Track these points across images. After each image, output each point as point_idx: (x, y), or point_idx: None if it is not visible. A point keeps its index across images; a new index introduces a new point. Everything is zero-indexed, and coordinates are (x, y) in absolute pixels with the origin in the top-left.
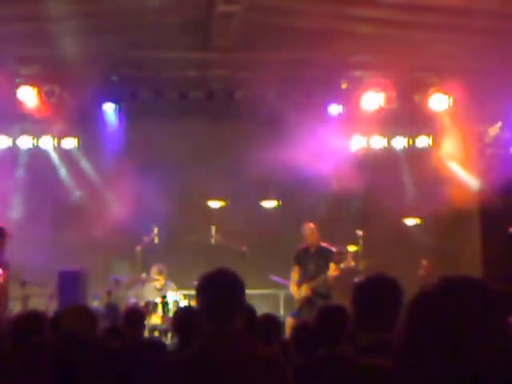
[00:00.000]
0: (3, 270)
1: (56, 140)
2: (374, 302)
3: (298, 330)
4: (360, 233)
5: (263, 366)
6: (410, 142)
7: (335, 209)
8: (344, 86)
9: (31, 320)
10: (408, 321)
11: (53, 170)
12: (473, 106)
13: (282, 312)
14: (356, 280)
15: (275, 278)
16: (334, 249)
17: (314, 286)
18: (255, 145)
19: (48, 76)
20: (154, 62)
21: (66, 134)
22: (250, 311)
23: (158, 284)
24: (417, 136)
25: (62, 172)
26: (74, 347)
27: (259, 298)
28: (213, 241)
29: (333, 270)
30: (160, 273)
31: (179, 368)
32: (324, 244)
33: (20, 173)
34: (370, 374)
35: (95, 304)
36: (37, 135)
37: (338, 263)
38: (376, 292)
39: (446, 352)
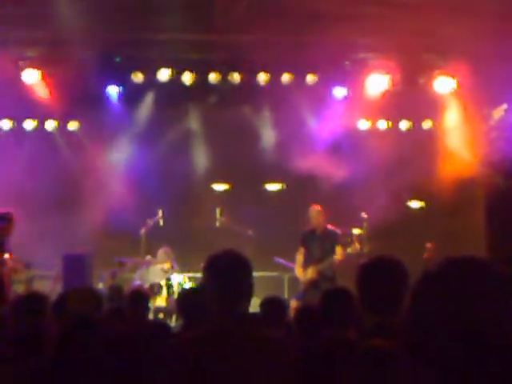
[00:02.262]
0: (10, 254)
1: (60, 123)
2: (379, 283)
3: (303, 312)
4: (364, 215)
5: (272, 348)
6: (415, 124)
7: (340, 191)
8: (347, 63)
9: (32, 301)
10: (413, 302)
11: (57, 152)
12: (478, 88)
13: (286, 295)
14: (361, 263)
15: (279, 260)
16: (339, 231)
17: (320, 269)
18: (259, 127)
19: (52, 58)
20: (158, 44)
21: (70, 117)
22: None
23: (165, 266)
24: (421, 119)
25: (66, 154)
26: (77, 329)
27: (264, 280)
28: (217, 224)
29: (339, 254)
30: (167, 255)
31: (190, 350)
32: (330, 226)
33: (24, 155)
34: (375, 355)
35: (100, 286)
36: (41, 118)
37: (344, 246)
38: (381, 274)
39: (452, 333)
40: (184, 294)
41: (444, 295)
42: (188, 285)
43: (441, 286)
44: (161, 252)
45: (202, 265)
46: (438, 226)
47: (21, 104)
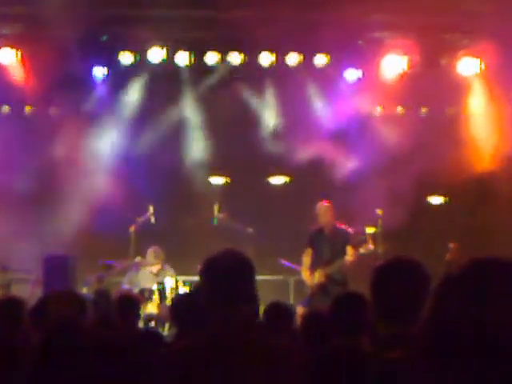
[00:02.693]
0: None
1: (39, 108)
2: (397, 288)
3: (310, 319)
4: (379, 212)
5: (275, 359)
6: (435, 110)
7: (352, 186)
8: (361, 43)
9: (8, 307)
10: (435, 305)
11: (35, 141)
12: (505, 70)
13: (291, 300)
14: (376, 265)
15: (284, 263)
16: (350, 230)
17: (329, 272)
18: (261, 114)
19: (30, 36)
20: (149, 21)
21: (50, 102)
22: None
23: (154, 269)
24: (443, 104)
25: (46, 144)
26: (59, 337)
27: (267, 284)
28: (215, 221)
29: (350, 255)
30: (156, 256)
31: (182, 359)
32: (340, 225)
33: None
34: (391, 369)
35: (84, 291)
36: (17, 102)
37: (355, 247)
38: (398, 277)
39: (476, 338)
40: (178, 299)
41: (468, 299)
42: (182, 290)
43: (465, 289)
44: (150, 252)
45: (198, 267)
46: (462, 224)
47: None
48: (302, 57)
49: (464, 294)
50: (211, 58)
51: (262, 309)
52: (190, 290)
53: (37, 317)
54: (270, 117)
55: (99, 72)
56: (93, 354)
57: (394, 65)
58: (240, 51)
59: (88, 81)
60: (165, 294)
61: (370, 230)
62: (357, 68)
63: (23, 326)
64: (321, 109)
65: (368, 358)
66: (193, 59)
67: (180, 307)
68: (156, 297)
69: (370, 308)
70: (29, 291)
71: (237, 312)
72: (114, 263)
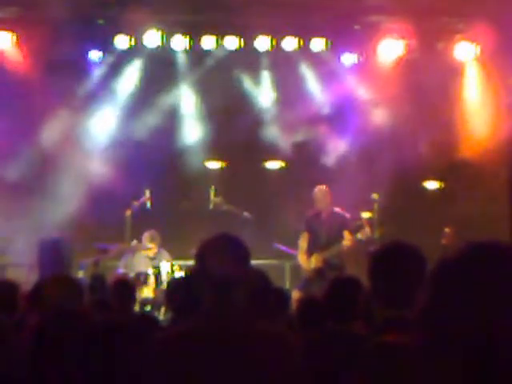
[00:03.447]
0: None
1: (34, 92)
2: (394, 272)
3: (306, 304)
4: (375, 197)
5: (271, 343)
6: (432, 94)
7: (348, 170)
8: (357, 27)
9: (2, 291)
10: (430, 292)
11: (28, 124)
12: (503, 55)
13: (287, 284)
14: (372, 249)
15: (280, 247)
16: (347, 215)
17: (326, 256)
18: (258, 98)
19: (25, 20)
20: (145, 3)
21: (46, 86)
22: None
23: (150, 253)
24: (439, 88)
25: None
26: (56, 322)
27: (262, 269)
28: (211, 205)
29: (348, 240)
30: (152, 240)
31: (174, 344)
32: (337, 209)
33: None
34: (388, 352)
35: (80, 275)
36: (13, 85)
37: (352, 232)
38: (395, 262)
39: (475, 325)
40: (174, 283)
41: (466, 285)
42: (178, 274)
43: (461, 273)
44: (145, 236)
45: (193, 251)
46: (458, 209)
47: None
48: (298, 41)
49: (462, 280)
50: (207, 41)
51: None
52: (185, 274)
53: (33, 301)
54: (266, 101)
55: (95, 55)
56: (88, 338)
57: (390, 49)
58: (236, 35)
59: (84, 64)
60: (160, 278)
61: (366, 215)
62: (353, 52)
63: (18, 310)
64: (317, 93)
65: (363, 342)
66: (189, 43)
67: (175, 291)
68: (152, 281)
69: (366, 292)
70: (25, 275)
71: (231, 297)
72: (110, 247)
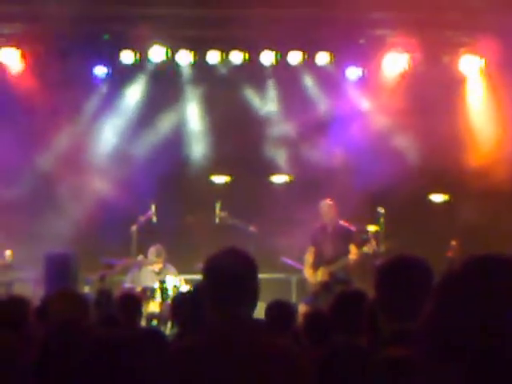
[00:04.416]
0: None
1: (40, 107)
2: (401, 285)
3: (313, 318)
4: (381, 210)
5: (278, 358)
6: (437, 108)
7: (353, 183)
8: (362, 41)
9: (13, 307)
10: (434, 304)
11: (35, 140)
12: (507, 68)
13: (294, 298)
14: (378, 262)
15: (286, 261)
16: (353, 228)
17: (332, 270)
18: (263, 112)
19: (32, 36)
20: (150, 19)
21: (52, 101)
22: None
23: (156, 267)
24: (444, 102)
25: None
26: (62, 338)
27: (269, 283)
28: (217, 220)
29: (354, 254)
30: (158, 254)
31: (183, 358)
32: (342, 223)
33: None
34: (394, 366)
35: (86, 290)
36: (18, 101)
37: (358, 245)
38: (403, 274)
39: (478, 338)
40: (180, 298)
41: (468, 296)
42: (184, 288)
43: (465, 286)
44: (151, 251)
45: (200, 265)
46: (464, 222)
47: None
48: (303, 55)
49: (467, 293)
50: (213, 56)
51: (263, 308)
52: (191, 289)
53: (41, 316)
54: (271, 115)
55: (100, 71)
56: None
57: (395, 63)
58: (241, 50)
59: (89, 80)
60: (167, 292)
61: (372, 229)
62: (358, 66)
63: (29, 326)
64: (322, 107)
65: (370, 356)
66: (194, 58)
67: (181, 306)
68: (158, 295)
69: (373, 306)
70: (31, 291)
71: (239, 311)
72: (116, 262)
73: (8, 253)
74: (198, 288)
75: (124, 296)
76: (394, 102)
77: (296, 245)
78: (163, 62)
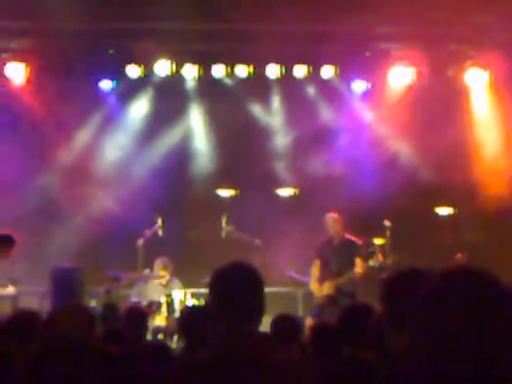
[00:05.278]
0: None
1: (46, 121)
2: (407, 298)
3: (319, 331)
4: (387, 223)
5: (285, 372)
6: (443, 121)
7: (360, 197)
8: (368, 54)
9: (24, 321)
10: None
11: (41, 153)
12: None
13: (300, 312)
14: (384, 275)
15: (293, 275)
16: (359, 241)
17: (338, 283)
18: (269, 125)
19: (38, 50)
20: (156, 34)
21: (58, 115)
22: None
23: (163, 280)
24: (450, 115)
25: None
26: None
27: (275, 296)
28: (223, 233)
29: (360, 267)
30: (165, 267)
31: (187, 375)
32: (348, 236)
33: (3, 155)
34: (399, 382)
35: (93, 304)
36: (25, 114)
37: (364, 258)
38: (410, 288)
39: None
40: (187, 312)
41: (441, 317)
42: (191, 302)
43: (436, 308)
44: (157, 263)
45: (206, 280)
46: (470, 235)
47: (4, 99)
48: (308, 69)
49: (436, 313)
50: (218, 70)
51: (270, 321)
52: (198, 303)
53: (47, 331)
54: (277, 129)
55: (106, 85)
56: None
57: (400, 76)
58: (247, 64)
59: (95, 94)
60: (173, 306)
61: (378, 242)
62: (364, 79)
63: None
64: (328, 120)
65: (376, 371)
66: (200, 72)
67: (188, 320)
68: (164, 309)
69: (380, 319)
70: (37, 304)
71: (245, 326)
72: (122, 275)
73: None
74: (205, 302)
75: (130, 310)
76: (399, 115)
77: (302, 258)
78: (168, 76)
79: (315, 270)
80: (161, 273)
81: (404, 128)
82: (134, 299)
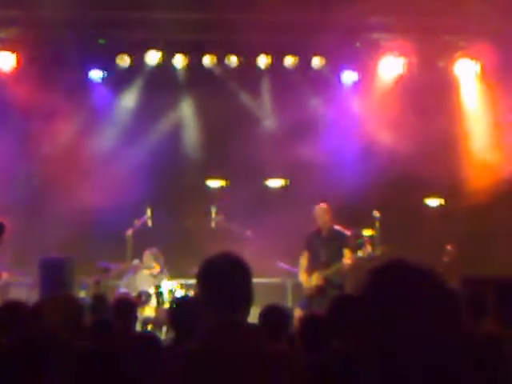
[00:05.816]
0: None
1: (36, 110)
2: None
3: (308, 322)
4: (377, 214)
5: (275, 363)
6: (433, 113)
7: (349, 187)
8: (358, 45)
9: (10, 311)
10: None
11: (29, 143)
12: (504, 72)
13: (289, 303)
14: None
15: (282, 265)
16: (348, 232)
17: (326, 274)
18: (259, 116)
19: (28, 40)
20: (146, 24)
21: (48, 105)
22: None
23: (153, 271)
24: (440, 106)
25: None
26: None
27: (264, 287)
28: (213, 224)
29: (348, 258)
30: (155, 258)
31: (178, 366)
32: (337, 227)
33: None
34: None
35: (82, 294)
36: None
37: (353, 249)
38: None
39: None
40: (176, 302)
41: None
42: (180, 293)
43: (367, 309)
44: (147, 254)
45: (195, 270)
46: (460, 226)
47: None
48: (298, 59)
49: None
50: (208, 60)
51: (258, 312)
52: (187, 293)
53: (33, 321)
54: (266, 120)
55: (96, 75)
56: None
57: (391, 67)
58: (237, 54)
59: (85, 84)
60: (162, 297)
61: (367, 233)
62: (354, 70)
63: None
64: (317, 111)
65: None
66: (190, 62)
67: (178, 311)
68: (153, 300)
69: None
70: (26, 295)
71: (234, 316)
72: (112, 266)
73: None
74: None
75: (119, 301)
76: (389, 106)
77: (292, 249)
78: (159, 66)
79: (303, 260)
80: (151, 264)
81: (394, 119)
82: (123, 290)
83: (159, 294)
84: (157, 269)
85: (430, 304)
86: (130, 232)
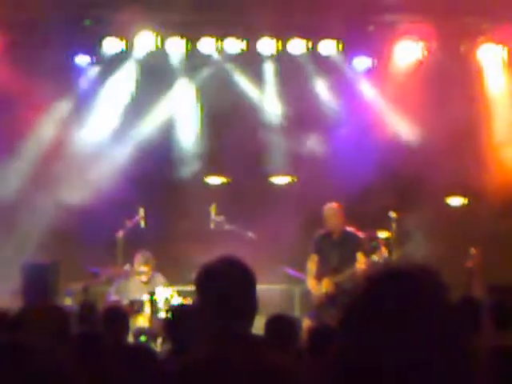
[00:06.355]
0: None
1: (19, 99)
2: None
3: (317, 333)
4: (393, 214)
5: (280, 378)
6: (455, 103)
7: (363, 186)
8: (371, 28)
9: None
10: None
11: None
12: None
13: (297, 311)
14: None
15: (289, 271)
16: (361, 235)
17: (338, 281)
18: (263, 106)
19: (8, 22)
20: (137, 3)
21: (31, 92)
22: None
23: (143, 277)
24: (462, 95)
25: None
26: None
27: (269, 294)
28: (212, 225)
29: (362, 263)
30: (146, 262)
31: (174, 381)
32: (349, 229)
33: None
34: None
35: (68, 302)
36: None
37: (367, 253)
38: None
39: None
40: (172, 311)
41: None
42: (177, 300)
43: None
44: (138, 257)
45: (193, 276)
46: (484, 228)
47: None
48: (306, 43)
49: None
50: (206, 44)
51: (263, 322)
52: (185, 301)
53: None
54: (271, 110)
55: (82, 60)
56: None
57: (408, 52)
58: (238, 37)
59: (71, 70)
60: (157, 305)
61: (382, 235)
62: (367, 56)
63: None
64: (328, 102)
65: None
66: (186, 46)
67: (174, 320)
68: (147, 309)
69: None
70: (7, 302)
71: (236, 326)
72: (101, 271)
73: None
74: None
75: (109, 309)
76: (406, 95)
77: (299, 253)
78: (152, 50)
79: (312, 265)
80: (141, 268)
81: (411, 109)
82: (113, 297)
83: (153, 302)
84: (147, 274)
85: (422, 317)
86: (120, 233)
